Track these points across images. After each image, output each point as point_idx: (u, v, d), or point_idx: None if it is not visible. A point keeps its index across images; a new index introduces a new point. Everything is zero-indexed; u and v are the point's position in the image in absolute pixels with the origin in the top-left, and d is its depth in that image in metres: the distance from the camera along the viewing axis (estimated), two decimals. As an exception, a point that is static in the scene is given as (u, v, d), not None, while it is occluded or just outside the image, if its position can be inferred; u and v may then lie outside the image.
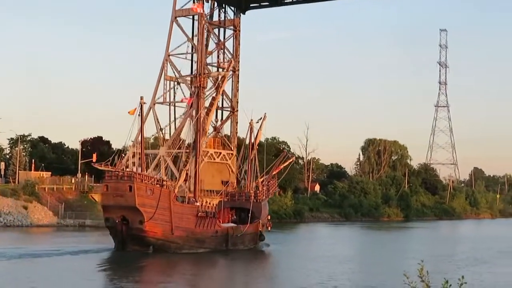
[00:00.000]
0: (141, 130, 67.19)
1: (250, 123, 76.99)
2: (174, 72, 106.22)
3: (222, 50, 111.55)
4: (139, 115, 65.67)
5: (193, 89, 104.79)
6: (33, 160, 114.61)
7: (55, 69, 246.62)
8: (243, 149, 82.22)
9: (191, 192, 73.13)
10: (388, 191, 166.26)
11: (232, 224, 72.01)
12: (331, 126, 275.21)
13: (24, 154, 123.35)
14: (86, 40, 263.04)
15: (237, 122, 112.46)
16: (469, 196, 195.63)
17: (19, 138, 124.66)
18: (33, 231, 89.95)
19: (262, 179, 77.29)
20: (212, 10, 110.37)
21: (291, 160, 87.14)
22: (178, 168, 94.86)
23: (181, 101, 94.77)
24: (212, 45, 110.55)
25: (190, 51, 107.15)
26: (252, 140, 77.26)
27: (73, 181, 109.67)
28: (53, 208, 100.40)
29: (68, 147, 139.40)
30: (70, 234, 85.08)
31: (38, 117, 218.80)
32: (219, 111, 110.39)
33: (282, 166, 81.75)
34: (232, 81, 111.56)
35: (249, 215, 72.03)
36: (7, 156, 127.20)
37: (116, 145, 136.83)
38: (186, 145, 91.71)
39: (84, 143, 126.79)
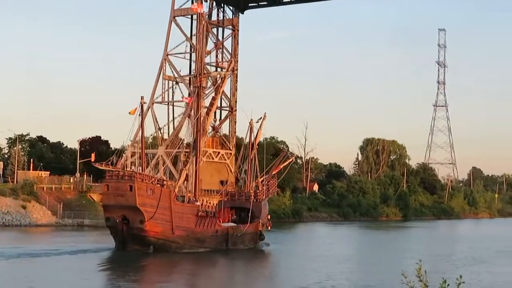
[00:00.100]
0: (142, 130, 67.43)
1: (250, 122, 77.07)
2: (172, 72, 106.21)
3: (220, 50, 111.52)
4: (139, 115, 65.88)
5: (192, 88, 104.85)
6: (31, 160, 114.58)
7: (54, 68, 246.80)
8: (243, 148, 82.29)
9: (189, 191, 73.17)
10: (386, 190, 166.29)
11: (232, 224, 72.09)
12: (330, 126, 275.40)
13: (23, 153, 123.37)
14: (85, 40, 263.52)
15: (235, 122, 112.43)
16: (468, 196, 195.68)
17: (17, 137, 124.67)
18: (32, 230, 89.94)
19: (262, 178, 77.42)
20: (210, 9, 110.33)
21: (291, 159, 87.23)
22: (177, 167, 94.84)
23: (182, 101, 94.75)
24: (210, 45, 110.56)
25: (188, 50, 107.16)
26: (252, 140, 77.34)
27: (71, 180, 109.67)
28: (51, 208, 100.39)
29: (66, 146, 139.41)
30: (68, 234, 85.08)
31: (36, 116, 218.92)
32: (218, 111, 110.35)
33: (282, 166, 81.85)
34: (231, 80, 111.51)
35: (249, 214, 72.15)
36: (6, 156, 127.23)
37: (114, 144, 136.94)
38: (185, 144, 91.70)
39: (82, 142, 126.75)
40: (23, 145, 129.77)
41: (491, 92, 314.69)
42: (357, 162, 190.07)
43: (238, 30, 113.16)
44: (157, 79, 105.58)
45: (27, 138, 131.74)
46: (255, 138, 77.94)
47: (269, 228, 76.89)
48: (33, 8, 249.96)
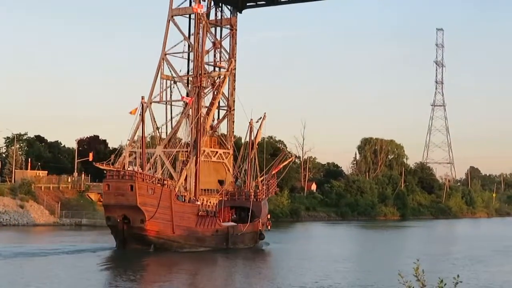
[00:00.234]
0: (142, 130, 67.75)
1: (250, 122, 77.14)
2: (170, 71, 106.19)
3: (218, 49, 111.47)
4: (140, 114, 66.19)
5: (190, 88, 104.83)
6: (29, 159, 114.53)
7: (53, 68, 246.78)
8: (243, 148, 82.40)
9: (187, 191, 73.31)
10: (384, 190, 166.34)
11: (232, 223, 72.17)
12: (328, 125, 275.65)
13: (21, 153, 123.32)
14: (85, 40, 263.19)
15: (233, 121, 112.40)
16: (465, 195, 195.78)
17: (15, 137, 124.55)
18: (30, 230, 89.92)
19: (261, 178, 77.53)
20: (208, 9, 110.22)
21: (290, 159, 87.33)
22: (175, 167, 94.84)
23: (182, 100, 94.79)
24: (208, 44, 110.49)
25: (186, 50, 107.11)
26: (252, 139, 77.41)
27: (69, 180, 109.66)
28: (49, 207, 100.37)
29: (64, 146, 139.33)
30: (66, 233, 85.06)
31: (34, 116, 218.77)
32: (216, 110, 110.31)
33: (281, 166, 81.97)
34: (229, 80, 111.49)
35: (249, 214, 72.26)
36: (3, 155, 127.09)
37: (112, 144, 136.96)
38: (182, 144, 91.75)
39: (80, 142, 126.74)
40: (21, 145, 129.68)
41: (489, 92, 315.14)
42: (355, 162, 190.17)
43: (236, 30, 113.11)
44: (155, 78, 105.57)
45: (25, 137, 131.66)
46: (255, 138, 78.04)
47: (269, 227, 77.03)
48: (32, 8, 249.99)
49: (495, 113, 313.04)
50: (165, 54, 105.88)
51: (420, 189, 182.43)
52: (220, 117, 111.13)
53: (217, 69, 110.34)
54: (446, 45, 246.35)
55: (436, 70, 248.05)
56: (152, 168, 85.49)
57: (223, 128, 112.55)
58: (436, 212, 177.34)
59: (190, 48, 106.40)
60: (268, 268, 59.51)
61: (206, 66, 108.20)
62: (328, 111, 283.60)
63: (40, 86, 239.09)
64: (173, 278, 48.51)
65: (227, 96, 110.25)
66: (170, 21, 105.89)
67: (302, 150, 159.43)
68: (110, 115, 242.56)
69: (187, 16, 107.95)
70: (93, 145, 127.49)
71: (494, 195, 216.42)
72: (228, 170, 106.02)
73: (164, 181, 66.33)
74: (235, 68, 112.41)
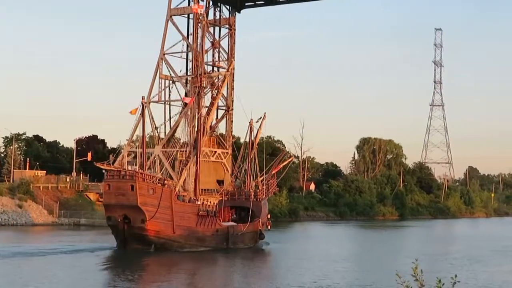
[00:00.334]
0: (143, 130, 68.16)
1: (250, 122, 77.19)
2: (169, 71, 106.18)
3: (217, 49, 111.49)
4: (141, 114, 66.44)
5: (188, 88, 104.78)
6: (27, 159, 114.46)
7: (52, 68, 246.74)
8: (242, 148, 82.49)
9: (185, 191, 73.34)
10: (383, 190, 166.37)
11: (233, 223, 72.24)
12: (326, 125, 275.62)
13: (19, 152, 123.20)
14: (84, 40, 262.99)
15: (232, 121, 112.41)
16: (464, 195, 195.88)
17: (13, 136, 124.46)
18: (28, 230, 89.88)
19: (261, 178, 77.62)
20: (207, 8, 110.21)
21: (290, 159, 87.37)
22: (173, 167, 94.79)
23: (182, 100, 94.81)
24: (207, 44, 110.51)
25: (185, 50, 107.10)
26: (252, 139, 77.46)
27: (68, 179, 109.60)
28: (48, 207, 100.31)
29: (63, 145, 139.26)
30: (65, 233, 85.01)
31: (33, 115, 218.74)
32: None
33: (281, 166, 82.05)
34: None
35: (249, 214, 72.34)
36: (2, 155, 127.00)
37: (111, 144, 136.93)
38: (181, 144, 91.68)
39: (79, 141, 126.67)
40: (20, 144, 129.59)
41: (487, 92, 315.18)
42: (353, 162, 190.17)
43: (234, 29, 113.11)
44: (154, 78, 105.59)
45: (24, 137, 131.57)
46: (255, 138, 78.12)
47: (269, 227, 77.13)
48: (32, 7, 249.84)
49: (494, 113, 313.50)
50: (164, 54, 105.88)
51: (418, 189, 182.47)
52: (219, 117, 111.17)
53: (215, 69, 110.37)
54: (446, 45, 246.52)
55: (435, 70, 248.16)
56: (152, 168, 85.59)
57: (221, 128, 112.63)
58: (435, 212, 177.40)
59: (189, 48, 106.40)
60: (267, 268, 59.56)
61: (205, 66, 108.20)
62: (327, 111, 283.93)
63: (40, 86, 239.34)
64: (173, 278, 48.53)
65: (225, 96, 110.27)
66: (169, 21, 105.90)
67: (301, 150, 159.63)
68: (110, 115, 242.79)
69: (186, 16, 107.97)
70: (91, 144, 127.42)
71: (492, 195, 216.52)
72: (227, 170, 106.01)
73: (165, 181, 66.49)
74: (233, 68, 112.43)
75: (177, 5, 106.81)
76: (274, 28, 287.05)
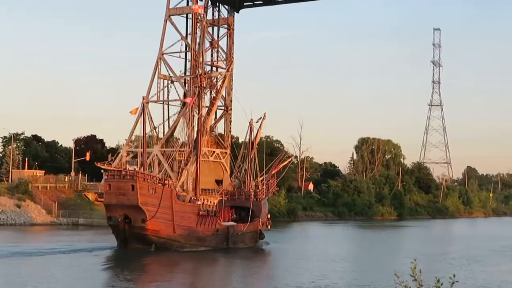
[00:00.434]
0: (143, 130, 68.21)
1: (250, 122, 77.26)
2: (167, 71, 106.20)
3: (216, 49, 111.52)
4: (141, 114, 66.60)
5: (187, 87, 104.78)
6: (26, 159, 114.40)
7: (53, 68, 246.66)
8: (242, 148, 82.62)
9: (184, 191, 73.35)
10: (381, 190, 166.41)
11: (233, 223, 72.33)
12: (325, 125, 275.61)
13: (18, 152, 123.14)
14: (84, 39, 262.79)
15: (230, 121, 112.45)
16: (462, 195, 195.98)
17: (12, 136, 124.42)
18: (27, 229, 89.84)
19: (261, 178, 77.73)
20: (206, 8, 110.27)
21: (290, 159, 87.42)
22: (172, 166, 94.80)
23: (183, 101, 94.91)
24: (206, 44, 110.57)
25: (183, 49, 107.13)
26: (252, 139, 77.52)
27: (66, 179, 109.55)
28: (46, 207, 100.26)
29: (61, 145, 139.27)
30: (63, 233, 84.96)
31: (31, 115, 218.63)
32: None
33: (281, 166, 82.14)
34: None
35: (249, 214, 72.44)
36: (0, 155, 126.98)
37: (109, 143, 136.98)
38: (179, 143, 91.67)
39: (77, 141, 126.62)
40: (18, 144, 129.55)
41: (486, 92, 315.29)
42: (352, 162, 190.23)
43: (233, 29, 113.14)
44: (152, 78, 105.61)
45: (22, 137, 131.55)
46: (255, 138, 78.21)
47: (269, 227, 77.26)
48: (33, 8, 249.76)
49: (494, 113, 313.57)
50: (162, 54, 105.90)
51: (417, 189, 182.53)
52: (217, 117, 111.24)
53: (214, 68, 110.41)
54: (446, 45, 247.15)
55: (433, 70, 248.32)
56: (152, 167, 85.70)
57: (220, 128, 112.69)
58: (433, 212, 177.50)
59: (187, 48, 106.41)
60: (267, 268, 59.62)
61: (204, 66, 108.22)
62: (325, 111, 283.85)
63: (40, 86, 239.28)
64: (173, 278, 48.58)
65: (224, 96, 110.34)
66: (167, 21, 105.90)
67: (299, 150, 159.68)
68: (109, 115, 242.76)
69: (184, 15, 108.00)
70: (90, 144, 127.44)
71: (491, 195, 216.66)
72: (225, 169, 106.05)
73: (165, 181, 66.61)
74: (232, 68, 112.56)
75: (176, 5, 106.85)
76: (273, 28, 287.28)
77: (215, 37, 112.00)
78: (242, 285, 46.91)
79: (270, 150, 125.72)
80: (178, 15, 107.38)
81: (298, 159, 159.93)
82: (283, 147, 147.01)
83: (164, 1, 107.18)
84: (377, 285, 45.21)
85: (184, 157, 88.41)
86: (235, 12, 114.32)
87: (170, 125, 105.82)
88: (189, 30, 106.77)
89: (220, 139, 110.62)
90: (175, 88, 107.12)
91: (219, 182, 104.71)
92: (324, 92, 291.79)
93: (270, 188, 79.77)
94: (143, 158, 68.91)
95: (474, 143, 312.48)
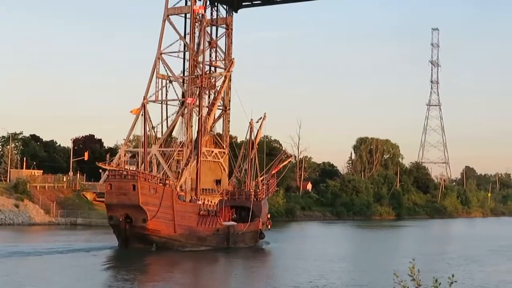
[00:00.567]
0: (144, 130, 68.31)
1: (250, 122, 77.30)
2: (166, 71, 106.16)
3: (214, 49, 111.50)
4: (142, 115, 66.71)
5: (185, 87, 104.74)
6: (24, 158, 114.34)
7: (53, 68, 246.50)
8: (242, 148, 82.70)
9: (183, 190, 73.48)
10: (380, 189, 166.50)
11: (233, 223, 72.42)
12: (323, 125, 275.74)
13: (16, 152, 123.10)
14: (84, 39, 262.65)
15: (229, 121, 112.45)
16: (461, 195, 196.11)
17: (10, 136, 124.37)
18: (25, 229, 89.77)
19: (261, 178, 77.81)
20: (204, 8, 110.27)
21: (290, 159, 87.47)
22: (170, 166, 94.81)
23: (186, 101, 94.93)
24: (204, 44, 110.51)
25: (182, 49, 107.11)
26: (252, 139, 77.56)
27: (65, 179, 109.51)
28: (44, 207, 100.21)
29: (59, 145, 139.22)
30: (62, 233, 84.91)
31: (34, 116, 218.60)
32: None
33: (281, 165, 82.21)
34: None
35: (250, 213, 72.52)
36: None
37: (108, 143, 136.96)
38: (178, 143, 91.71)
39: (75, 141, 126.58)
40: (16, 144, 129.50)
41: (485, 92, 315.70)
42: (350, 161, 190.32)
43: (231, 29, 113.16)
44: (151, 77, 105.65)
45: (20, 136, 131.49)
46: (255, 138, 78.27)
47: (269, 227, 77.37)
48: (33, 8, 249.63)
49: (492, 113, 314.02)
50: (161, 54, 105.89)
51: (415, 188, 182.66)
52: (216, 117, 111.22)
53: (213, 68, 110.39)
54: (446, 45, 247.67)
55: (432, 69, 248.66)
56: (152, 166, 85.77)
57: (218, 128, 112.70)
58: (432, 212, 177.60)
59: (186, 48, 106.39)
60: (266, 268, 59.63)
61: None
62: (323, 111, 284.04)
63: (40, 86, 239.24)
64: (174, 277, 48.58)
65: (222, 96, 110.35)
66: (166, 21, 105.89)
67: (298, 150, 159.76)
68: (109, 115, 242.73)
69: (183, 15, 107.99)
70: (88, 144, 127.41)
71: (489, 194, 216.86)
72: (224, 169, 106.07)
73: (166, 181, 66.72)
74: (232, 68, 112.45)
75: (174, 5, 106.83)
76: (271, 28, 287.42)
77: (214, 37, 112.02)
78: (242, 285, 46.93)
79: (269, 150, 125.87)
80: (177, 14, 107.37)
81: (297, 159, 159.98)
82: (282, 147, 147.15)
83: (163, 1, 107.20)
84: (375, 285, 45.22)
85: (183, 157, 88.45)
86: (233, 12, 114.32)
87: (169, 125, 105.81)
88: (188, 30, 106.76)
89: (219, 139, 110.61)
90: (174, 88, 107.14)
91: (217, 182, 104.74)
92: (323, 92, 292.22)
93: (270, 188, 79.90)
94: (144, 158, 68.96)
95: (473, 143, 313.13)
